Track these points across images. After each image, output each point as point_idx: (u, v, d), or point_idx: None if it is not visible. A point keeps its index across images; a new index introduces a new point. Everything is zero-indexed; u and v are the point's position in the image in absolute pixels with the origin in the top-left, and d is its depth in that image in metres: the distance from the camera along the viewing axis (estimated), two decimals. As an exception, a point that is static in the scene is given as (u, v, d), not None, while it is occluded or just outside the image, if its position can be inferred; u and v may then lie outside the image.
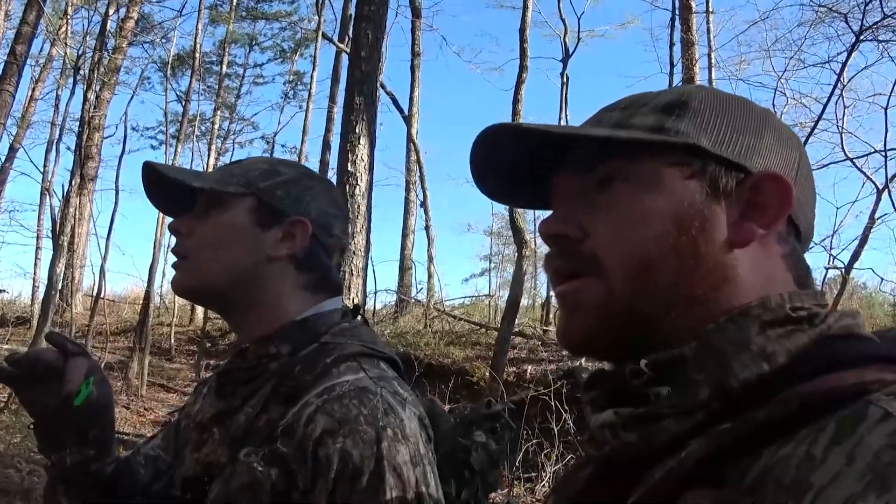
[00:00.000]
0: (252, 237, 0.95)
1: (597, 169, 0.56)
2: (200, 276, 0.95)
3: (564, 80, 14.06)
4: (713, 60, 10.41)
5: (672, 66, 10.02)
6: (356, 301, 4.89)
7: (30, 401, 0.97)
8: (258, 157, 1.03)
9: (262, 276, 0.95)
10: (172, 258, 0.99)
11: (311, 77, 14.33)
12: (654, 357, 0.50)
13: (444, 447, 0.94)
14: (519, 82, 8.11)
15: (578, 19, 14.28)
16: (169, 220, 1.03)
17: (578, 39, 14.15)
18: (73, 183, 12.84)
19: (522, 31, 8.52)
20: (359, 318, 1.01)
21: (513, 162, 0.61)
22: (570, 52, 13.63)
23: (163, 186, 0.99)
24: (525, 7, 8.90)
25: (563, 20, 14.04)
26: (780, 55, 8.20)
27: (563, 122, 15.22)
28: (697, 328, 0.50)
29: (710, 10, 11.00)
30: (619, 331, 0.54)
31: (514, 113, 7.89)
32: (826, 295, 0.53)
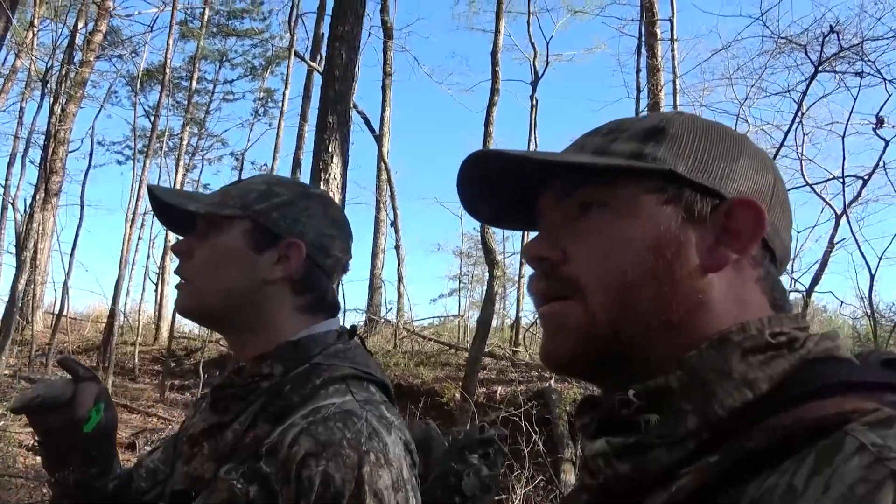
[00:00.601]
0: (247, 260, 0.96)
1: (578, 193, 0.58)
2: (200, 299, 0.96)
3: (534, 102, 14.30)
4: (678, 86, 10.67)
5: (639, 91, 10.27)
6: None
7: (38, 422, 0.99)
8: (258, 177, 1.04)
9: (258, 298, 0.96)
10: (175, 279, 1.01)
11: (283, 95, 14.32)
12: (641, 387, 0.51)
13: (437, 471, 0.95)
14: (491, 104, 8.16)
15: (547, 43, 14.60)
16: (163, 238, 1.06)
17: (547, 63, 14.45)
18: (38, 197, 12.60)
19: (494, 53, 8.57)
20: (355, 339, 1.01)
21: (499, 185, 0.62)
22: (540, 75, 13.83)
23: (167, 209, 1.01)
24: (497, 31, 8.97)
25: (532, 44, 14.30)
26: (741, 83, 8.41)
27: (532, 144, 15.45)
28: (678, 354, 0.52)
29: (675, 37, 11.30)
30: (600, 353, 0.55)
31: (486, 134, 7.95)
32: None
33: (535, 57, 14.48)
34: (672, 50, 11.25)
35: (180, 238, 1.02)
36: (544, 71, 14.68)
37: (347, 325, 1.04)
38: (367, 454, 0.79)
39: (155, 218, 1.08)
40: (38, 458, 6.46)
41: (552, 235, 0.59)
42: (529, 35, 14.56)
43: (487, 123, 7.90)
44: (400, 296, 15.04)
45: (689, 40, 19.63)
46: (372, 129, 14.14)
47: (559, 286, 0.57)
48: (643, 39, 10.33)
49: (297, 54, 13.36)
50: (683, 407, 0.49)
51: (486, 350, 8.60)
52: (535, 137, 15.50)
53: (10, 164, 16.05)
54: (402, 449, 0.84)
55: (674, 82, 10.72)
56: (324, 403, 0.85)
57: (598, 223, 0.56)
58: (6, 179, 14.87)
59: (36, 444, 1.02)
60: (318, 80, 7.19)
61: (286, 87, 14.10)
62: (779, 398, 0.47)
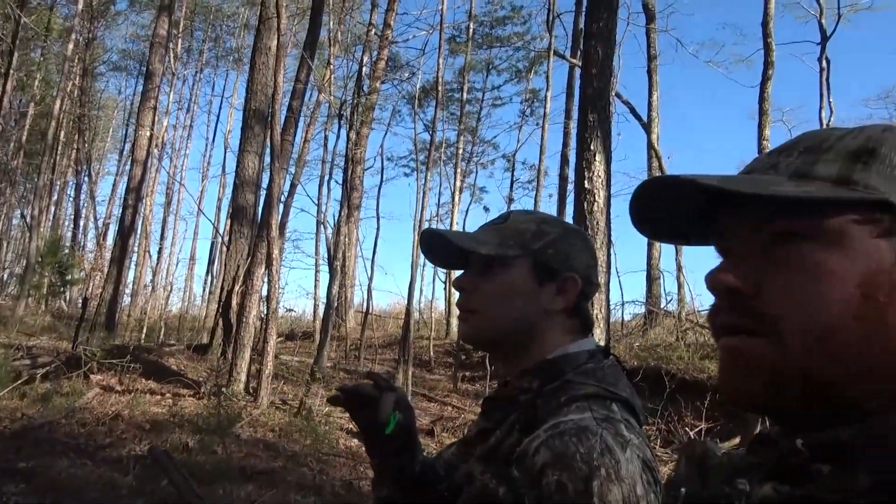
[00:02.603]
0: (533, 293, 1.08)
1: (775, 222, 0.53)
2: (489, 328, 1.09)
3: (824, 64, 12.65)
4: None
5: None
6: (600, 338, 4.90)
7: (357, 420, 1.24)
8: (524, 215, 1.15)
9: (539, 326, 1.08)
10: (457, 310, 1.16)
11: (546, 96, 14.58)
12: (811, 439, 0.49)
13: (706, 495, 0.96)
14: (764, 80, 7.47)
15: (836, -5, 12.78)
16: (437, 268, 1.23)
17: (839, 17, 12.70)
18: (343, 213, 14.47)
19: (765, 24, 7.82)
20: (610, 358, 1.08)
21: (678, 204, 0.59)
22: (829, 33, 12.23)
23: (439, 246, 1.17)
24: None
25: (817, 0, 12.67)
26: None
27: (824, 112, 13.75)
28: (871, 401, 0.48)
29: None
30: (787, 396, 0.51)
31: (762, 112, 7.30)
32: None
33: (821, 14, 12.84)
34: None
35: (461, 274, 1.15)
36: (835, 27, 12.95)
37: (603, 343, 1.13)
38: (598, 469, 0.83)
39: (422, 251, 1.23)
40: (356, 440, 7.46)
41: (742, 264, 0.54)
42: (812, -12, 12.98)
43: (762, 100, 7.24)
44: (680, 286, 14.42)
45: None
46: (639, 118, 13.78)
47: (749, 321, 0.52)
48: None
49: (556, 53, 13.55)
50: (856, 463, 0.46)
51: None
52: (831, 103, 13.76)
53: (321, 186, 18.73)
54: (639, 467, 0.87)
55: None
56: (564, 419, 0.92)
57: (799, 256, 0.51)
58: (318, 199, 17.31)
59: (355, 429, 1.29)
60: (579, 74, 7.18)
61: (548, 88, 14.37)
62: None
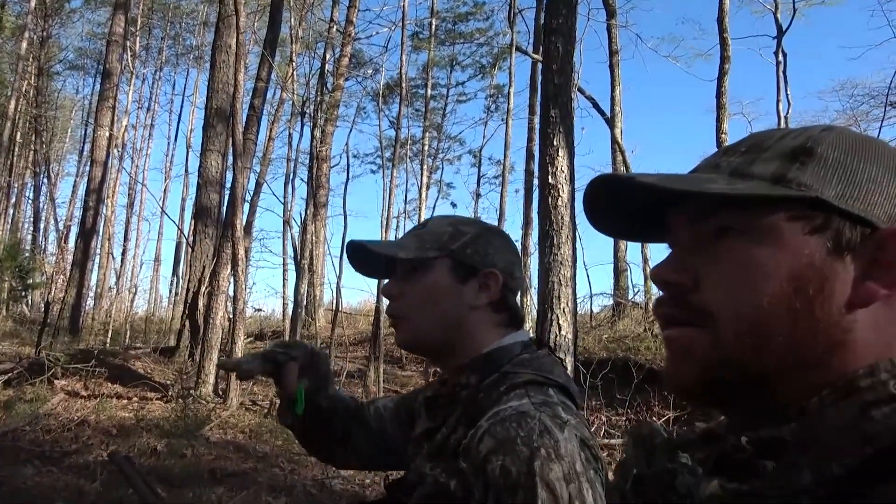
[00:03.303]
0: (455, 292, 1.12)
1: (714, 217, 0.54)
2: (419, 332, 1.13)
3: (780, 58, 12.92)
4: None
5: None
6: (554, 324, 4.97)
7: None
8: (441, 220, 1.19)
9: (466, 322, 1.12)
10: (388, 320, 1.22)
11: (509, 91, 14.63)
12: (754, 435, 0.50)
13: (653, 470, 1.01)
14: (721, 74, 7.60)
15: (790, -10, 13.07)
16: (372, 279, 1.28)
17: (794, 11, 12.97)
18: (309, 211, 14.40)
19: (721, 20, 7.96)
20: (544, 349, 1.13)
21: (627, 202, 0.60)
22: (785, 28, 12.49)
23: (364, 258, 1.22)
24: (722, -7, 8.30)
25: (772, -5, 12.95)
26: None
27: (782, 105, 14.05)
28: (810, 393, 0.49)
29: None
30: (726, 386, 0.53)
31: (720, 107, 7.43)
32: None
33: (776, 8, 13.11)
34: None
35: (387, 282, 1.19)
36: (791, 21, 13.24)
37: (532, 334, 1.19)
38: (539, 449, 0.88)
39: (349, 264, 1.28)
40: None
41: (683, 259, 0.56)
42: (768, -16, 13.23)
43: (719, 94, 7.35)
44: (646, 277, 14.59)
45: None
46: (602, 112, 13.90)
47: (688, 313, 0.54)
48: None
49: (518, 49, 13.57)
50: (798, 460, 0.47)
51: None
52: (788, 95, 14.07)
53: (286, 184, 18.59)
54: (577, 445, 0.91)
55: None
56: (503, 407, 0.97)
57: (735, 251, 0.53)
58: (284, 198, 17.19)
59: None
60: (541, 70, 7.24)
61: (511, 84, 14.39)
62: None
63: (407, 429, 1.26)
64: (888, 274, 0.49)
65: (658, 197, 0.58)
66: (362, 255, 1.22)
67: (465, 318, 1.12)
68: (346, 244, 1.22)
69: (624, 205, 0.61)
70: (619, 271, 14.75)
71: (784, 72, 13.85)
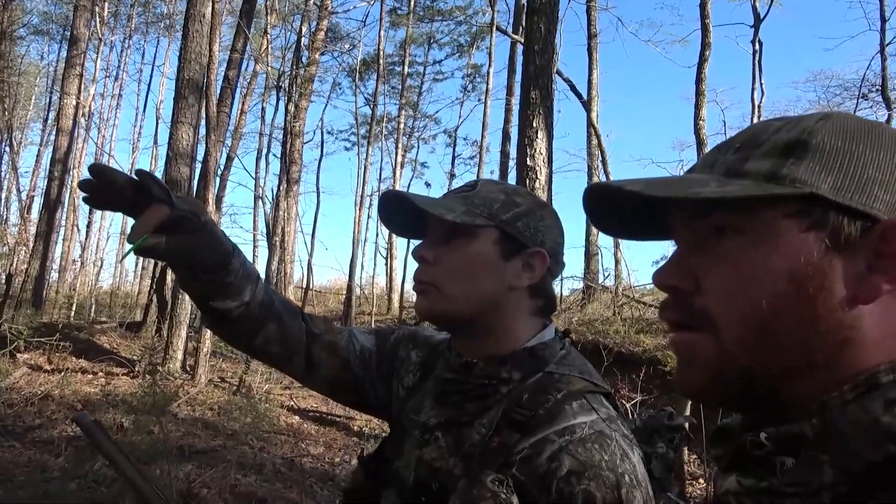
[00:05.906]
0: (497, 267, 1.00)
1: (711, 216, 0.53)
2: (449, 303, 1.01)
3: (756, 47, 13.03)
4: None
5: (884, 20, 8.92)
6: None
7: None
8: (494, 185, 1.06)
9: (502, 303, 1.01)
10: (414, 283, 1.06)
11: (488, 71, 14.57)
12: (774, 432, 0.49)
13: None
14: (702, 60, 7.59)
15: (769, -22, 13.15)
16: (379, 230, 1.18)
17: (771, 1, 13.06)
18: (281, 188, 14.20)
19: (703, 5, 7.95)
20: (567, 341, 1.06)
21: (627, 203, 0.59)
22: (762, 16, 12.59)
23: (399, 211, 1.06)
24: (705, -23, 8.31)
25: (751, -18, 13.04)
26: None
27: (757, 93, 14.19)
28: (822, 393, 0.48)
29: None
30: (734, 389, 0.52)
31: (699, 94, 7.46)
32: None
33: (754, -4, 13.20)
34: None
35: (421, 243, 1.06)
36: (768, 9, 13.35)
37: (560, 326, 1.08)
38: (623, 476, 0.85)
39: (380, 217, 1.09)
40: (297, 418, 7.36)
41: (683, 262, 0.55)
42: (747, -28, 13.29)
43: (699, 82, 7.35)
44: (617, 262, 14.79)
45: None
46: (579, 95, 13.90)
47: (690, 317, 0.53)
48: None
49: (499, 28, 13.49)
50: (819, 457, 0.46)
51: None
52: (762, 84, 14.20)
53: (258, 160, 18.33)
54: (643, 465, 0.90)
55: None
56: (575, 423, 0.90)
57: (733, 251, 0.51)
58: (255, 173, 16.94)
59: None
60: (521, 51, 7.16)
61: (490, 64, 14.36)
62: None
63: (372, 372, 1.17)
64: (893, 267, 0.48)
65: (655, 199, 0.57)
66: (395, 206, 1.06)
67: (501, 299, 1.01)
68: (381, 193, 1.06)
69: (625, 206, 0.60)
70: (590, 255, 14.88)
71: (760, 61, 13.97)
